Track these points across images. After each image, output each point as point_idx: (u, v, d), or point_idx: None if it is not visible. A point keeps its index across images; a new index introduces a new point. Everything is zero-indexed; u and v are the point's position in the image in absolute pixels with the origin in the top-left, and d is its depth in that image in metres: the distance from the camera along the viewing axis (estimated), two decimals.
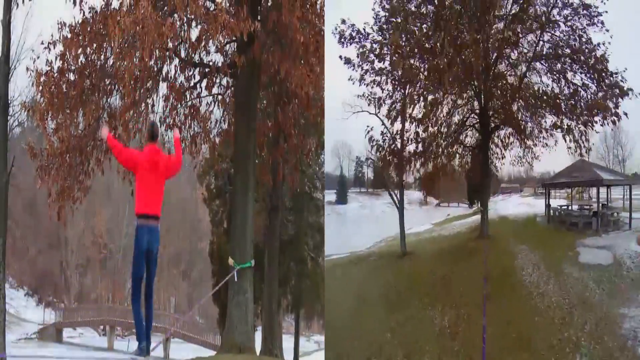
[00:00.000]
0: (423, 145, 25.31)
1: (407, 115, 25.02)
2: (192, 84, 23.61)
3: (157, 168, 11.81)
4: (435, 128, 25.35)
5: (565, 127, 23.78)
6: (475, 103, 25.58)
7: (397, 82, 24.88)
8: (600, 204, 23.50)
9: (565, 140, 23.88)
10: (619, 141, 25.11)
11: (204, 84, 23.70)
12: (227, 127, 24.95)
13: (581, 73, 23.48)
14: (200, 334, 39.27)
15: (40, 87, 21.25)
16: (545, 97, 24.16)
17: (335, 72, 23.52)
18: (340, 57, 24.62)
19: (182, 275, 52.29)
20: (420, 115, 24.99)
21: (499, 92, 24.99)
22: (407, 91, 24.96)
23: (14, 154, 23.99)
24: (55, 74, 21.28)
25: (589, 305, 17.37)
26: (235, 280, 22.06)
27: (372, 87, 24.73)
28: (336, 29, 24.68)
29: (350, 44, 24.80)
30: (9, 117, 23.46)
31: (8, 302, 28.01)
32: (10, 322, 33.29)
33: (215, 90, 24.19)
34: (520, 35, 24.15)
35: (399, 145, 25.18)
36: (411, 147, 25.37)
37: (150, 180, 11.72)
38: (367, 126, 25.22)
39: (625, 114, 22.56)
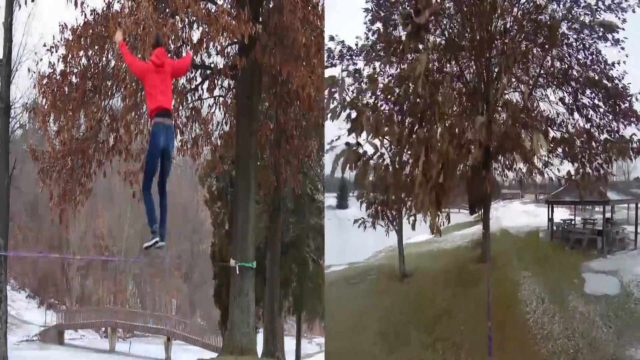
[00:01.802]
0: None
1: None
2: (193, 86, 23.69)
3: (164, 67, 11.87)
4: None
5: (579, 173, 22.59)
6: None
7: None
8: (605, 220, 22.98)
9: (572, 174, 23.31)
10: None
11: (205, 86, 23.76)
12: (229, 129, 24.96)
13: (592, 93, 22.61)
14: (201, 335, 39.22)
15: (42, 90, 21.28)
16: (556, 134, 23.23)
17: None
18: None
19: (184, 277, 52.27)
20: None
21: (503, 114, 24.37)
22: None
23: (15, 156, 24.02)
24: (57, 76, 21.32)
25: (596, 347, 16.85)
26: (237, 272, 22.14)
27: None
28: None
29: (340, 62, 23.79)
30: (10, 119, 23.47)
31: (10, 304, 28.04)
32: (12, 324, 33.30)
33: (216, 92, 24.27)
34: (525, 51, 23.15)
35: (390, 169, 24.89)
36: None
37: (157, 80, 11.74)
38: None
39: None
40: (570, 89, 23.21)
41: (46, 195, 23.36)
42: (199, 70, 23.46)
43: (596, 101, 22.59)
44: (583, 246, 22.78)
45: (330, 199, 26.03)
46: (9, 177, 23.09)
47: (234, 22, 20.40)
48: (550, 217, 25.09)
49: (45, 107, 21.33)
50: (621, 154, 21.96)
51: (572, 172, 22.92)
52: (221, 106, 24.58)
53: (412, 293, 24.04)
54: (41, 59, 21.87)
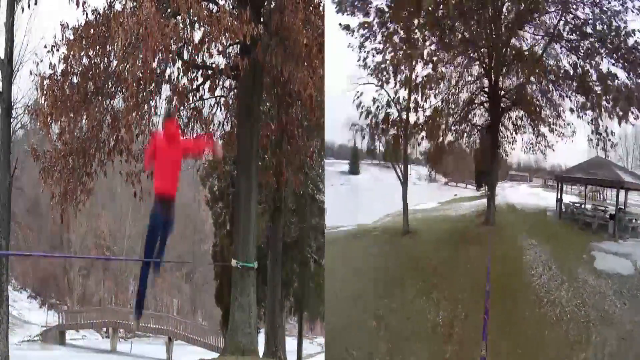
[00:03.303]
0: (424, 117, 24.49)
1: (404, 79, 24.09)
2: (195, 86, 23.63)
3: (175, 141, 11.92)
4: (440, 99, 24.46)
5: (590, 110, 21.73)
6: (485, 81, 24.65)
7: (396, 43, 23.81)
8: (618, 205, 21.72)
9: (589, 134, 22.52)
10: None
11: (207, 86, 23.68)
12: (230, 129, 24.96)
13: (610, 59, 21.19)
14: (203, 336, 39.25)
15: (44, 91, 21.29)
16: (569, 75, 22.17)
17: (337, 42, 22.87)
18: (340, 24, 22.88)
19: (185, 277, 52.33)
20: (421, 80, 24.09)
21: (512, 69, 23.79)
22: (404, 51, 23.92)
23: (17, 156, 24.04)
24: (59, 77, 21.32)
25: (609, 321, 15.31)
26: (239, 273, 22.18)
27: (373, 55, 23.75)
28: None
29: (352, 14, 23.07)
30: (12, 120, 23.48)
31: (11, 304, 28.01)
32: (13, 324, 33.35)
33: (218, 92, 24.20)
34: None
35: (395, 114, 24.57)
36: (412, 117, 24.60)
37: (167, 157, 11.79)
38: (357, 91, 24.21)
39: None
40: (586, 48, 22.03)
41: (47, 196, 23.40)
42: (201, 71, 23.43)
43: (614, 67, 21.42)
44: (593, 229, 21.84)
45: (343, 165, 25.81)
46: (11, 177, 23.11)
47: (235, 22, 20.42)
48: (559, 197, 24.26)
49: (47, 107, 21.33)
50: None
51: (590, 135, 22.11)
52: (222, 106, 24.58)
53: (413, 246, 23.73)
54: (41, 60, 21.89)
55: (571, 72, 22.15)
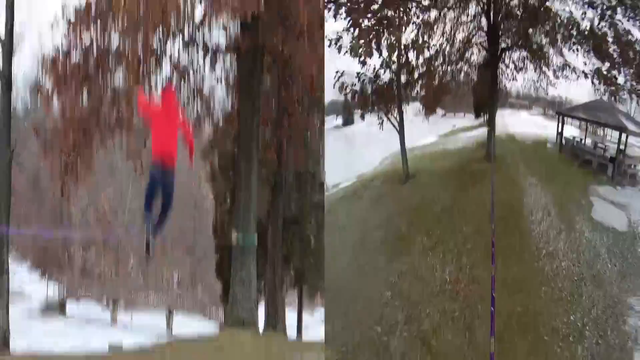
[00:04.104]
0: (419, 70, 24.05)
1: (392, 42, 23.74)
2: (195, 63, 23.60)
3: (172, 107, 12.04)
4: (437, 42, 23.96)
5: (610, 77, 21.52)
6: (483, 20, 24.17)
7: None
8: (619, 148, 22.08)
9: (593, 82, 22.34)
10: None
11: (207, 63, 23.68)
12: (231, 106, 24.96)
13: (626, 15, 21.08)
14: (203, 309, 39.42)
15: (45, 68, 21.31)
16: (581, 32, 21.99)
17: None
18: None
19: (185, 250, 52.39)
20: (410, 41, 23.70)
21: (512, 10, 23.30)
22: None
23: (17, 132, 24.03)
24: (60, 55, 21.32)
25: (600, 282, 15.81)
26: (239, 247, 22.28)
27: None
28: None
29: None
30: (12, 96, 23.46)
31: (11, 276, 28.16)
32: (14, 295, 33.41)
33: (218, 70, 24.18)
34: None
35: (386, 79, 24.20)
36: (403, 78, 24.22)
37: (164, 124, 11.84)
38: (336, 72, 24.04)
39: None
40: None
41: (48, 171, 23.44)
42: (201, 48, 23.40)
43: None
44: (593, 167, 22.22)
45: (336, 120, 25.62)
46: (11, 153, 23.12)
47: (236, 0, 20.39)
48: (559, 130, 24.29)
49: (48, 85, 21.36)
50: None
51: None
52: (223, 84, 24.57)
53: (415, 195, 23.50)
54: (43, 37, 21.86)
55: (582, 27, 21.72)
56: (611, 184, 21.00)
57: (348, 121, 26.53)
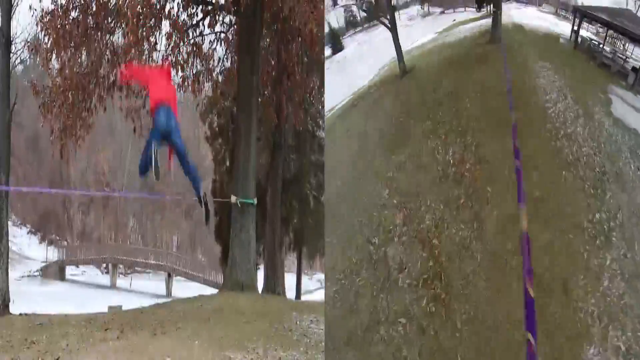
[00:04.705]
0: None
1: None
2: (194, 21, 23.50)
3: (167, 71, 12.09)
4: None
5: None
6: None
7: None
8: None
9: None
10: None
11: (206, 21, 23.58)
12: (230, 65, 24.90)
13: None
14: (202, 272, 39.57)
15: (44, 26, 21.21)
16: None
17: None
18: None
19: (184, 214, 52.48)
20: None
21: None
22: None
23: (16, 91, 23.94)
24: (59, 13, 21.20)
25: (622, 183, 13.17)
26: (238, 209, 22.25)
27: None
28: None
29: None
30: (11, 55, 23.35)
31: (11, 240, 28.18)
32: (13, 259, 33.50)
33: (218, 28, 24.12)
34: None
35: None
36: None
37: (163, 83, 11.80)
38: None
39: None
40: None
41: (47, 131, 23.41)
42: (201, 6, 23.28)
43: None
44: (612, 71, 19.25)
45: (326, 52, 25.20)
46: (10, 113, 23.05)
47: None
48: (575, 28, 21.45)
49: (47, 44, 21.28)
50: None
51: None
52: (222, 42, 24.51)
53: (413, 84, 22.55)
54: None
55: None
56: (632, 90, 19.38)
57: (337, 48, 26.09)
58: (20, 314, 19.83)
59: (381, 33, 23.20)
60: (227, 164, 30.78)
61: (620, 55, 19.94)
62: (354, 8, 23.71)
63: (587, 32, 21.35)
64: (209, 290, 29.98)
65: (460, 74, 20.62)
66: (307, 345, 15.40)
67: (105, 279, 43.05)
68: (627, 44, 20.11)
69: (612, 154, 14.08)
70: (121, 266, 43.27)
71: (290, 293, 32.39)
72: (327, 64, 23.73)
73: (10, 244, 25.55)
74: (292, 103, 26.01)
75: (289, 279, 33.05)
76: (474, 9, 25.55)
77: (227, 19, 24.34)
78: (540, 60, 19.73)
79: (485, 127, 15.63)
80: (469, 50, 22.88)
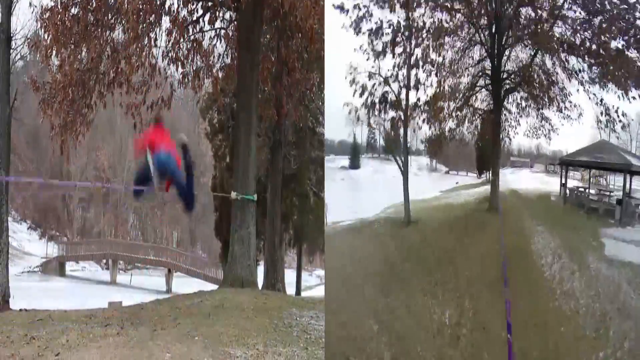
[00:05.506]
0: (425, 95, 24.02)
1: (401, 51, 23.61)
2: (195, 17, 23.46)
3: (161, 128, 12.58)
4: (441, 80, 23.95)
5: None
6: (487, 63, 24.26)
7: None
8: (624, 189, 20.83)
9: (598, 115, 21.83)
10: None
11: (207, 17, 23.53)
12: (230, 61, 24.86)
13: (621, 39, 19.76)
14: (202, 268, 39.58)
15: (44, 22, 21.22)
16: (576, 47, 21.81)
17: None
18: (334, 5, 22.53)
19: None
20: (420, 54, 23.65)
21: (523, 39, 23.14)
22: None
23: (16, 87, 23.97)
24: (59, 9, 21.20)
25: (626, 314, 14.22)
26: (238, 205, 22.27)
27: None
28: None
29: None
30: (11, 51, 23.35)
31: (11, 236, 28.21)
32: (13, 255, 33.53)
33: (218, 24, 24.04)
34: None
35: (395, 91, 24.18)
36: (412, 97, 24.17)
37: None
38: (351, 66, 23.57)
39: None
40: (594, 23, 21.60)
41: (47, 127, 23.42)
42: (201, 2, 23.27)
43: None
44: (600, 214, 20.96)
45: (343, 160, 25.69)
46: (10, 109, 23.05)
47: None
48: (563, 182, 23.32)
49: (48, 40, 21.29)
50: None
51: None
52: (223, 38, 24.45)
53: (416, 238, 23.34)
54: None
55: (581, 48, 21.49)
56: (620, 225, 20.53)
57: (354, 164, 26.45)
58: (20, 310, 19.81)
59: (394, 170, 23.90)
60: (227, 160, 30.81)
61: (605, 192, 22.01)
62: (376, 132, 24.11)
63: (573, 180, 23.54)
64: (209, 286, 29.98)
65: (460, 235, 21.47)
66: (307, 341, 15.46)
67: (105, 275, 43.07)
68: (608, 177, 21.70)
69: (611, 294, 15.17)
70: (121, 262, 43.30)
71: (291, 289, 32.44)
72: (342, 174, 24.42)
73: (10, 240, 25.59)
74: (292, 99, 26.02)
75: (289, 275, 33.11)
76: (475, 175, 26.82)
77: (227, 15, 24.29)
78: (535, 221, 21.18)
79: (482, 294, 16.24)
80: (470, 214, 23.95)
